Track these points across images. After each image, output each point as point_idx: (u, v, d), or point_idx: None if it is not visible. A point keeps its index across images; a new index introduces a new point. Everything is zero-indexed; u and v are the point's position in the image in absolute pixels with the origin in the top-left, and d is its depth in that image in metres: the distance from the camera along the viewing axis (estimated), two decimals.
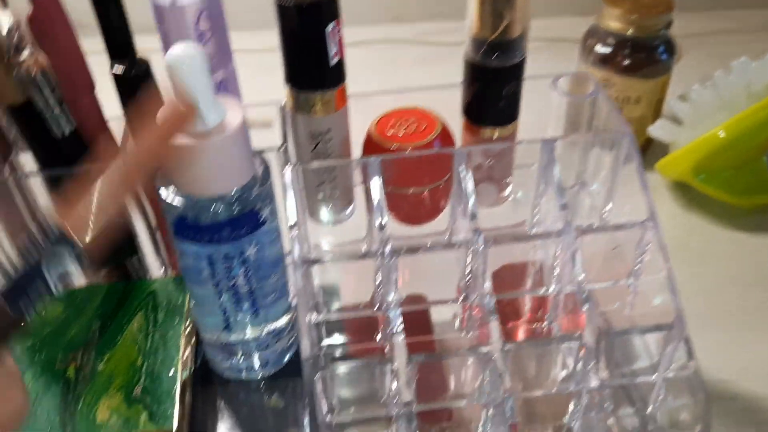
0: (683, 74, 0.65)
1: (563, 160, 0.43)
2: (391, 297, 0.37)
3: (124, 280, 0.46)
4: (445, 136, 0.43)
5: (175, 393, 0.38)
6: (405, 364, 0.36)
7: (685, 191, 0.62)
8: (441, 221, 0.47)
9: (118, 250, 0.45)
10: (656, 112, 0.65)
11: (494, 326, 0.37)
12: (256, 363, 0.44)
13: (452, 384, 0.43)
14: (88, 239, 0.24)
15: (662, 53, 0.62)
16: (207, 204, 0.36)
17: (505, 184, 0.46)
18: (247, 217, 0.36)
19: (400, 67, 0.79)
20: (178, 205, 0.36)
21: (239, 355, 0.43)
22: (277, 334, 0.43)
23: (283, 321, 0.43)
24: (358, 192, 0.47)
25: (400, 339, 0.36)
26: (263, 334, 0.42)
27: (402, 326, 0.36)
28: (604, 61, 0.61)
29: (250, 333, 0.42)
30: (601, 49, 0.61)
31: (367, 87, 0.44)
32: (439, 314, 0.47)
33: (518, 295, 0.45)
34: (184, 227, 0.36)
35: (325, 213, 0.46)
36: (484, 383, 0.39)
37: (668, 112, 0.64)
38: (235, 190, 0.35)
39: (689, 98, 0.62)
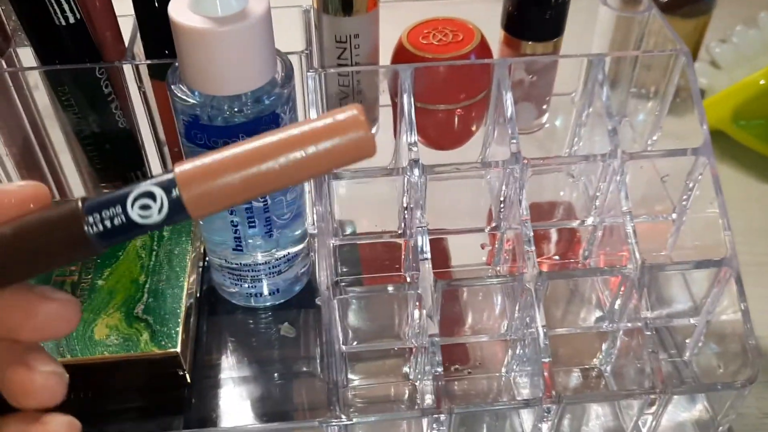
0: (722, 17, 0.61)
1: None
2: (419, 220, 0.34)
3: None
4: (484, 49, 0.39)
5: (180, 314, 0.35)
6: (431, 290, 0.33)
7: (719, 140, 0.59)
8: (468, 150, 0.44)
9: (122, 163, 0.42)
10: (693, 55, 0.61)
11: (530, 255, 0.33)
12: (266, 290, 0.41)
13: (473, 319, 0.40)
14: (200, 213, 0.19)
15: None
16: (223, 103, 0.32)
17: (543, 110, 0.42)
18: (265, 120, 0.33)
19: None
20: (192, 103, 0.32)
21: (249, 280, 0.40)
22: (290, 260, 0.40)
23: (297, 247, 0.40)
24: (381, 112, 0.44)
25: (427, 264, 0.33)
26: (275, 258, 0.39)
27: (429, 252, 0.33)
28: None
29: (261, 256, 0.38)
30: None
31: None
32: (459, 249, 0.44)
33: (555, 226, 0.42)
34: (197, 130, 0.33)
35: None
36: (514, 317, 0.36)
37: (706, 56, 0.60)
38: (255, 89, 0.32)
39: (730, 40, 0.58)
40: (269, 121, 0.33)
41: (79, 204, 0.19)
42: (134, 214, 0.19)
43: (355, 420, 0.31)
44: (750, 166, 0.56)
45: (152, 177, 0.19)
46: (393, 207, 0.40)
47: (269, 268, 0.39)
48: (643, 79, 0.43)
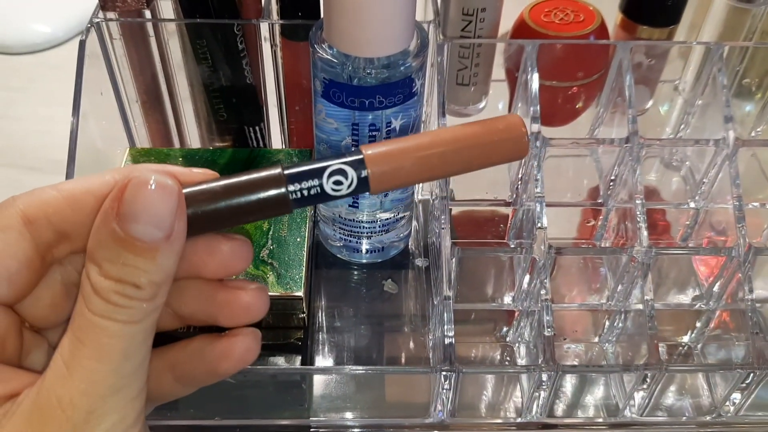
0: None
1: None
2: (538, 189, 0.35)
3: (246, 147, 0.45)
4: (603, 31, 0.40)
5: (302, 260, 0.37)
6: (545, 255, 0.35)
7: None
8: (572, 128, 0.45)
9: (244, 117, 0.44)
10: None
11: (642, 230, 0.35)
12: (371, 246, 0.43)
13: (571, 289, 0.42)
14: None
15: None
16: (363, 65, 0.34)
17: (653, 91, 0.43)
18: (401, 84, 0.35)
19: None
20: (334, 62, 0.34)
21: (358, 237, 0.42)
22: (396, 221, 0.42)
23: (404, 211, 0.42)
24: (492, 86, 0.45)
25: (544, 233, 0.35)
26: (384, 219, 0.41)
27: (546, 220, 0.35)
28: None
29: (374, 215, 0.41)
30: None
31: None
32: (560, 223, 0.46)
33: (666, 206, 0.43)
34: (336, 89, 0.35)
35: (458, 102, 0.44)
36: (617, 290, 0.38)
37: None
38: (393, 53, 0.34)
39: None
40: (404, 86, 0.35)
41: (282, 171, 0.21)
42: (328, 187, 0.22)
43: (467, 370, 0.33)
44: None
45: (340, 156, 0.22)
46: (502, 176, 0.42)
47: (377, 227, 0.41)
48: (750, 69, 0.44)
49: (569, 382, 0.38)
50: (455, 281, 0.36)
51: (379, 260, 0.44)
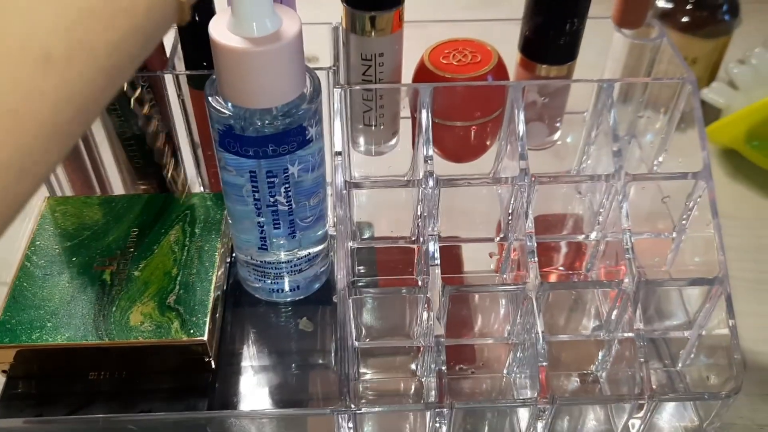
0: (742, 38, 0.62)
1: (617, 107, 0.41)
2: (431, 228, 0.36)
3: (162, 193, 0.46)
4: (500, 70, 0.41)
5: (208, 305, 0.38)
6: (439, 294, 0.36)
7: (732, 159, 0.60)
8: (483, 162, 0.46)
9: (158, 163, 0.45)
10: (711, 75, 0.63)
11: (533, 266, 0.36)
12: (287, 286, 0.44)
13: (480, 322, 0.43)
14: None
15: (725, 13, 0.59)
16: (255, 115, 0.35)
17: (555, 128, 0.45)
18: (294, 132, 0.36)
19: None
20: (227, 114, 0.35)
21: (272, 277, 0.43)
22: (311, 259, 0.43)
23: (318, 247, 0.43)
24: (402, 124, 0.47)
25: (437, 270, 0.36)
26: (297, 258, 0.42)
27: (439, 258, 0.36)
28: (663, 16, 0.59)
29: (284, 255, 0.41)
30: (662, 3, 0.59)
31: (420, 16, 0.43)
32: (472, 255, 0.47)
33: (560, 240, 0.44)
34: (230, 139, 0.36)
35: (367, 142, 0.46)
36: (516, 323, 0.39)
37: (724, 76, 0.62)
38: (285, 103, 0.35)
39: (749, 62, 0.60)
40: (297, 133, 0.36)
41: None
42: None
43: (363, 410, 0.34)
44: (762, 185, 0.58)
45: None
46: (409, 212, 0.43)
47: (291, 267, 0.42)
48: (654, 100, 0.45)
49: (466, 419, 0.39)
50: (356, 320, 0.37)
51: (300, 297, 0.45)
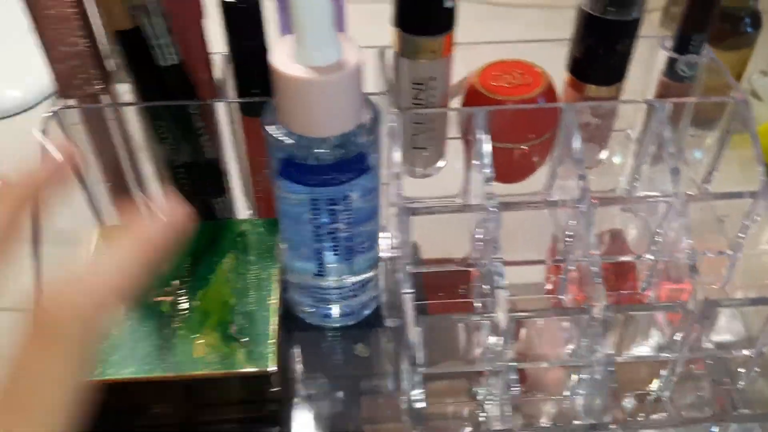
0: (765, 50, 0.63)
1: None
2: (495, 252, 0.36)
3: (211, 220, 0.45)
4: (550, 92, 0.42)
5: (270, 334, 0.38)
6: (506, 319, 0.35)
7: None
8: (527, 184, 0.46)
9: (207, 190, 0.45)
10: None
11: (599, 288, 0.36)
12: (341, 311, 0.43)
13: (540, 345, 0.43)
14: None
15: (748, 25, 0.59)
16: (316, 145, 0.35)
17: (603, 147, 0.45)
18: (355, 160, 0.36)
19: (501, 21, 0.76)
20: (287, 143, 0.35)
21: (326, 302, 0.43)
22: (365, 284, 0.43)
23: (371, 272, 0.42)
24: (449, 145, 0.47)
25: (504, 293, 0.36)
26: (352, 282, 0.42)
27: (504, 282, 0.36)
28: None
29: (340, 280, 0.41)
30: None
31: (467, 38, 0.43)
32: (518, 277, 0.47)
33: (618, 259, 0.44)
34: (291, 168, 0.36)
35: (415, 164, 0.46)
36: (581, 345, 0.38)
37: (747, 87, 0.62)
38: (346, 131, 0.35)
39: None
40: (357, 161, 0.36)
41: None
42: None
43: None
44: None
45: None
46: (455, 235, 0.43)
47: (346, 292, 0.42)
48: (701, 116, 0.45)
49: None
50: (421, 346, 0.37)
51: (352, 322, 0.45)
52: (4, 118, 0.63)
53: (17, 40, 0.50)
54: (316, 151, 0.35)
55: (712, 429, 0.37)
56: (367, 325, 0.45)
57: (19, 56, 0.56)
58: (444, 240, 0.46)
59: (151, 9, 0.37)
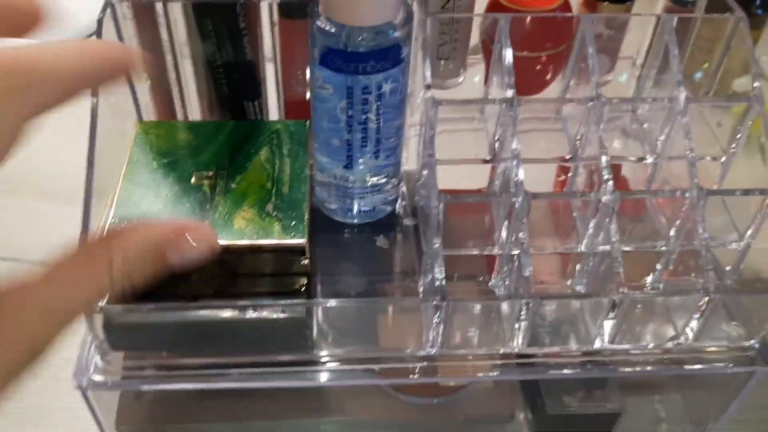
0: None
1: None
2: (514, 147, 0.40)
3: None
4: (566, 6, 0.45)
5: (303, 214, 0.41)
6: (521, 200, 0.39)
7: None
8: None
9: (244, 92, 0.48)
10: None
11: (608, 176, 0.39)
12: (363, 207, 0.47)
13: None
14: None
15: (758, 7, 0.62)
16: (358, 34, 0.38)
17: (613, 61, 0.48)
18: (390, 51, 0.39)
19: None
20: (330, 32, 0.38)
21: (350, 197, 0.46)
22: (388, 181, 0.46)
23: (394, 171, 0.46)
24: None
25: (521, 174, 0.39)
26: (377, 178, 0.45)
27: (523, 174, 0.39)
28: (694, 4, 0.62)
29: (367, 175, 0.45)
30: None
31: None
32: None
33: (624, 161, 0.48)
34: (332, 56, 0.39)
35: (436, 76, 0.49)
36: (588, 233, 0.42)
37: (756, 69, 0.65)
38: (386, 22, 0.38)
39: None
40: (393, 52, 0.39)
41: None
42: None
43: (454, 300, 0.38)
44: None
45: None
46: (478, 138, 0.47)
47: (371, 188, 0.46)
48: (701, 43, 0.49)
49: (546, 320, 0.43)
50: (442, 227, 0.40)
51: (370, 220, 0.48)
52: None
53: None
54: (356, 40, 0.38)
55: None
56: (386, 227, 0.48)
57: None
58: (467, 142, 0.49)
59: None
